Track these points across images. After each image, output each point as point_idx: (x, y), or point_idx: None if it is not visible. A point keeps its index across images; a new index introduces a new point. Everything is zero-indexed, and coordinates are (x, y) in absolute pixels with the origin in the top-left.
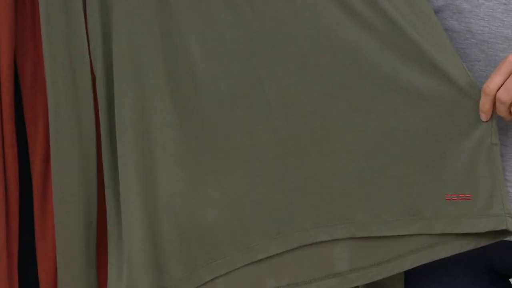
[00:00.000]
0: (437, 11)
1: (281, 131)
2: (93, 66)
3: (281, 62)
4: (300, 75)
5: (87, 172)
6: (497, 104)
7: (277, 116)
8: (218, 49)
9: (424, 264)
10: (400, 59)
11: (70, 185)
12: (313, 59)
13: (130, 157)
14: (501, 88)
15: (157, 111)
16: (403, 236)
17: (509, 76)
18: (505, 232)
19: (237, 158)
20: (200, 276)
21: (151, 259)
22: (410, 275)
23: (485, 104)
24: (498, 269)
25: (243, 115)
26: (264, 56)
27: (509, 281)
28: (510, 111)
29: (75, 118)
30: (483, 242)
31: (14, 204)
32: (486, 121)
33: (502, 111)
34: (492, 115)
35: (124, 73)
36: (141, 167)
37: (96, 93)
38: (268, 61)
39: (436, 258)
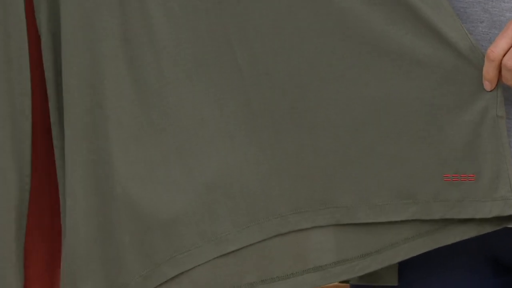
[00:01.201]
0: None
1: (255, 103)
2: (39, 29)
3: (254, 24)
4: (276, 39)
5: (20, 155)
6: (503, 71)
7: (250, 86)
8: (182, 11)
9: (419, 255)
10: (390, 21)
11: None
12: (291, 20)
13: (78, 134)
14: (508, 53)
15: (111, 82)
16: (395, 222)
17: None
18: None
19: (204, 135)
20: (163, 272)
21: (104, 251)
22: (404, 266)
23: (489, 72)
24: (502, 260)
25: (211, 86)
26: (234, 18)
27: None
28: None
29: (6, 91)
30: (488, 228)
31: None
32: (490, 91)
33: (509, 79)
34: (497, 84)
35: (73, 38)
36: (92, 146)
37: (35, 62)
38: (239, 23)
39: (435, 246)
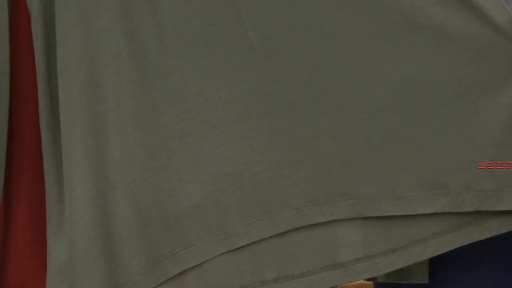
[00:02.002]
0: None
1: (267, 83)
2: (28, 3)
3: None
4: (291, 11)
5: None
6: None
7: (262, 63)
8: None
9: (451, 250)
10: None
11: None
12: None
13: (74, 117)
14: None
15: (108, 58)
16: (423, 215)
17: None
18: None
19: (211, 118)
20: (165, 269)
21: (102, 248)
22: (434, 262)
23: None
24: None
25: (218, 63)
26: None
27: None
28: None
29: None
30: None
31: None
32: None
33: None
34: None
35: (67, 10)
36: (89, 130)
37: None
38: None
39: (468, 242)
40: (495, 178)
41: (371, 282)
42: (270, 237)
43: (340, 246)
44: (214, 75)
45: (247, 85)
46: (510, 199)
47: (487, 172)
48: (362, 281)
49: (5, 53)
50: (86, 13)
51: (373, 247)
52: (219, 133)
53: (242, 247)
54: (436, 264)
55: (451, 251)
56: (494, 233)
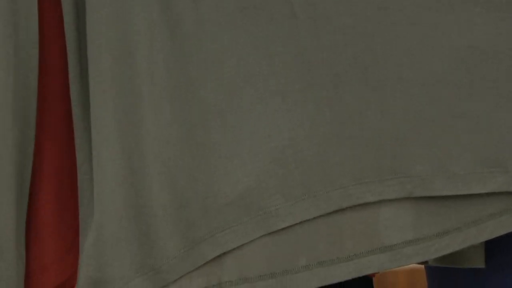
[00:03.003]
0: None
1: (311, 54)
2: None
3: None
4: None
5: (23, 113)
6: None
7: (306, 33)
8: None
9: (509, 233)
10: None
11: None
12: None
13: (105, 91)
14: None
15: (143, 27)
16: (480, 195)
17: None
18: None
19: (251, 92)
20: (202, 253)
21: (135, 230)
22: (491, 245)
23: None
24: None
25: (259, 33)
26: None
27: None
28: None
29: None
30: None
31: None
32: None
33: None
34: None
35: None
36: (121, 104)
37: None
38: None
39: None
40: None
41: (422, 266)
42: (314, 218)
43: (389, 228)
44: (254, 45)
45: (289, 55)
46: None
47: None
48: (413, 265)
49: (35, 49)
50: None
51: (424, 229)
52: (260, 108)
53: (284, 229)
54: (492, 247)
55: (509, 234)
56: None
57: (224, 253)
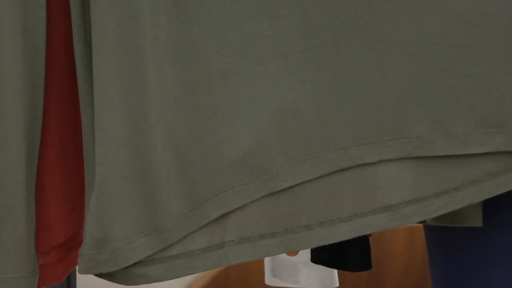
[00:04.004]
0: None
1: (312, 15)
2: None
3: None
4: None
5: (32, 76)
6: None
7: None
8: None
9: (506, 194)
10: None
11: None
12: None
13: (109, 52)
14: None
15: None
16: (478, 155)
17: None
18: None
19: (253, 54)
20: (206, 212)
21: (140, 190)
22: (488, 206)
23: None
24: None
25: None
26: None
27: None
28: None
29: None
30: None
31: None
32: None
33: None
34: None
35: None
36: (125, 66)
37: None
38: None
39: None
40: None
41: (421, 225)
42: (315, 178)
43: (389, 188)
44: (256, 7)
45: (291, 17)
46: None
47: None
48: (412, 224)
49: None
50: None
51: (424, 189)
52: (261, 70)
53: (285, 189)
54: (489, 205)
55: (507, 194)
56: None
57: (227, 214)
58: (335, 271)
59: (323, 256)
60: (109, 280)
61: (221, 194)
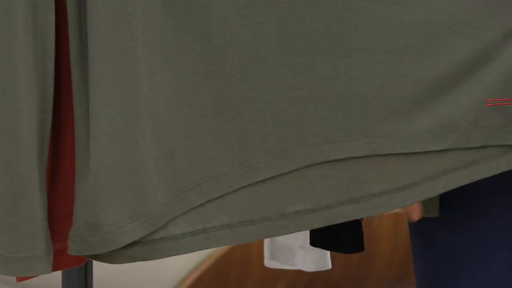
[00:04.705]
0: None
1: (289, 23)
2: None
3: None
4: None
5: (42, 73)
6: None
7: (284, 5)
8: None
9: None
10: None
11: (25, 90)
12: None
13: (103, 53)
14: None
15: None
16: (435, 152)
17: None
18: None
19: (234, 57)
20: (188, 200)
21: (129, 179)
22: (468, 197)
23: None
24: None
25: (244, 4)
26: None
27: None
28: None
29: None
30: None
31: None
32: None
33: None
34: None
35: None
36: (119, 65)
37: None
38: None
39: (477, 178)
40: (502, 114)
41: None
42: (290, 172)
43: (357, 182)
44: (238, 15)
45: (270, 25)
46: None
47: (494, 109)
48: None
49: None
50: None
51: (387, 183)
52: (241, 72)
53: (263, 181)
54: (469, 198)
55: (485, 187)
56: (501, 169)
57: (209, 202)
58: (328, 254)
59: (320, 239)
60: (95, 259)
61: (204, 184)
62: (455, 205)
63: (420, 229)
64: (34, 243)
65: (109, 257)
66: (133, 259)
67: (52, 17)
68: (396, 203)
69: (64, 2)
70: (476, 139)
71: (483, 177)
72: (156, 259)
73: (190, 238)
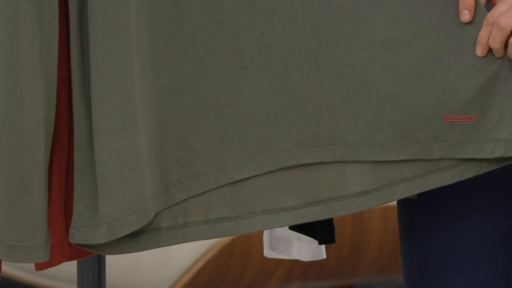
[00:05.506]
0: None
1: (267, 36)
2: None
3: None
4: None
5: (47, 76)
6: (493, 31)
7: (264, 19)
8: None
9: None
10: None
11: (30, 91)
12: None
13: (102, 58)
14: (505, 13)
15: (132, 7)
16: (395, 161)
17: None
18: None
19: (217, 65)
20: (172, 196)
21: (124, 174)
22: (456, 198)
23: (484, 37)
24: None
25: (227, 17)
26: None
27: None
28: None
29: (33, 11)
30: (486, 168)
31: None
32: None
33: (496, 41)
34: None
35: None
36: (117, 70)
37: None
38: None
39: (432, 187)
40: (459, 129)
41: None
42: (264, 173)
43: (323, 185)
44: (222, 27)
45: (250, 37)
46: (472, 149)
47: (452, 125)
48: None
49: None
50: None
51: (350, 188)
52: (224, 79)
53: (240, 181)
54: (456, 199)
55: (473, 186)
56: (456, 179)
57: (190, 198)
58: (323, 245)
59: (299, 226)
60: (89, 250)
61: (186, 181)
62: (442, 204)
63: (410, 225)
64: (34, 233)
65: (101, 248)
66: (122, 250)
67: (56, 24)
68: (356, 206)
69: (64, 10)
70: (434, 152)
71: (438, 186)
72: (144, 250)
73: (173, 231)
